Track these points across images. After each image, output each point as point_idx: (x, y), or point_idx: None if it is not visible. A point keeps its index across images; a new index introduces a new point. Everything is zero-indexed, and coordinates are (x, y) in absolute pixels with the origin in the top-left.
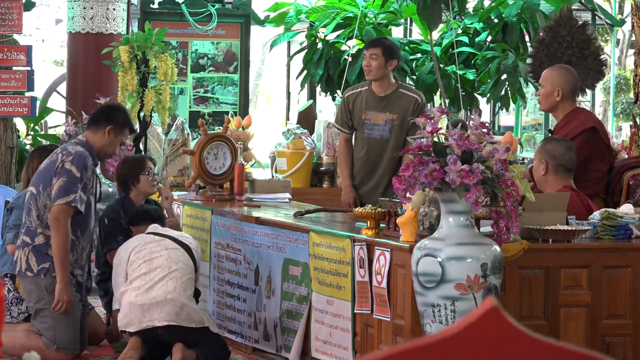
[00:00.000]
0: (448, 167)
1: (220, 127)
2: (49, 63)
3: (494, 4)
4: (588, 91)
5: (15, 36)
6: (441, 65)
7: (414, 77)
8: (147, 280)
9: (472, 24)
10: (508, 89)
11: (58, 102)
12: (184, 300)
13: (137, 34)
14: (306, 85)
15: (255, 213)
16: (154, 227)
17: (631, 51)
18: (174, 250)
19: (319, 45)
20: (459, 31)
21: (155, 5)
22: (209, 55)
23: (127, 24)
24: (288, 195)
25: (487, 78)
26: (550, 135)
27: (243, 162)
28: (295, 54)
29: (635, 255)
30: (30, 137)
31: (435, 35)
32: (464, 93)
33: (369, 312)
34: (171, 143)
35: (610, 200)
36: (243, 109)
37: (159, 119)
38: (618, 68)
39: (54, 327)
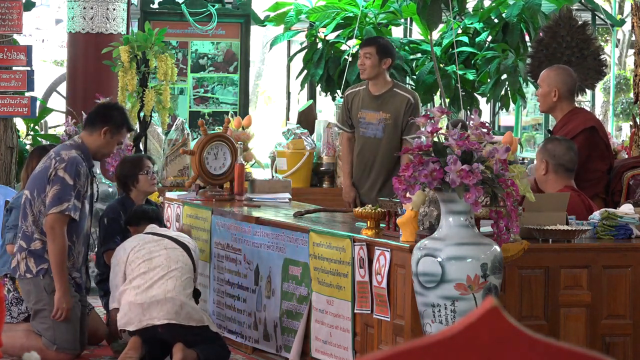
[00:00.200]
0: (448, 167)
1: (220, 127)
2: (49, 63)
3: (494, 4)
4: (588, 91)
5: (15, 36)
6: (441, 65)
7: (414, 77)
8: (147, 279)
9: (472, 24)
10: (508, 89)
11: (58, 102)
12: (183, 299)
13: (137, 34)
14: (306, 85)
15: (255, 213)
16: (152, 227)
17: (631, 51)
18: (173, 250)
19: (319, 45)
20: (459, 31)
21: (155, 5)
22: (209, 55)
23: (127, 24)
24: (288, 195)
25: (487, 78)
26: (549, 135)
27: (243, 162)
28: (295, 54)
29: (635, 255)
30: (30, 137)
31: (435, 35)
32: (464, 93)
33: (369, 312)
34: (171, 143)
35: (610, 200)
36: (243, 109)
37: (159, 119)
38: (618, 68)
39: (54, 328)
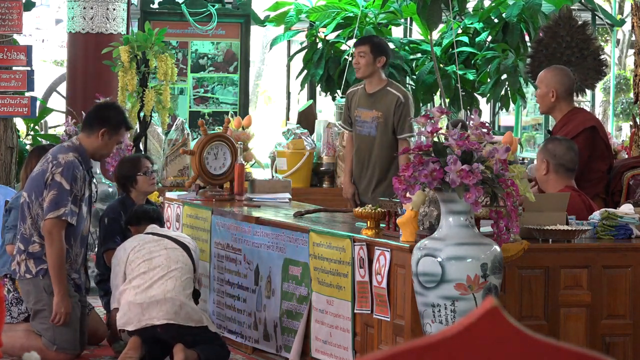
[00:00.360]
0: (448, 167)
1: (220, 127)
2: (49, 63)
3: (494, 4)
4: (588, 91)
5: (15, 36)
6: (441, 65)
7: (414, 77)
8: (147, 279)
9: (472, 24)
10: (508, 89)
11: (58, 102)
12: (183, 299)
13: (137, 34)
14: (306, 85)
15: (255, 213)
16: (153, 227)
17: (631, 51)
18: (173, 250)
19: (319, 45)
20: (459, 31)
21: (155, 5)
22: (209, 55)
23: (127, 24)
24: (288, 195)
25: (487, 78)
26: (549, 135)
27: (243, 162)
28: (295, 54)
29: (635, 255)
30: (30, 137)
31: (435, 35)
32: (464, 93)
33: (369, 312)
34: (171, 143)
35: (610, 200)
36: (243, 109)
37: (159, 119)
38: (618, 68)
39: (53, 328)
